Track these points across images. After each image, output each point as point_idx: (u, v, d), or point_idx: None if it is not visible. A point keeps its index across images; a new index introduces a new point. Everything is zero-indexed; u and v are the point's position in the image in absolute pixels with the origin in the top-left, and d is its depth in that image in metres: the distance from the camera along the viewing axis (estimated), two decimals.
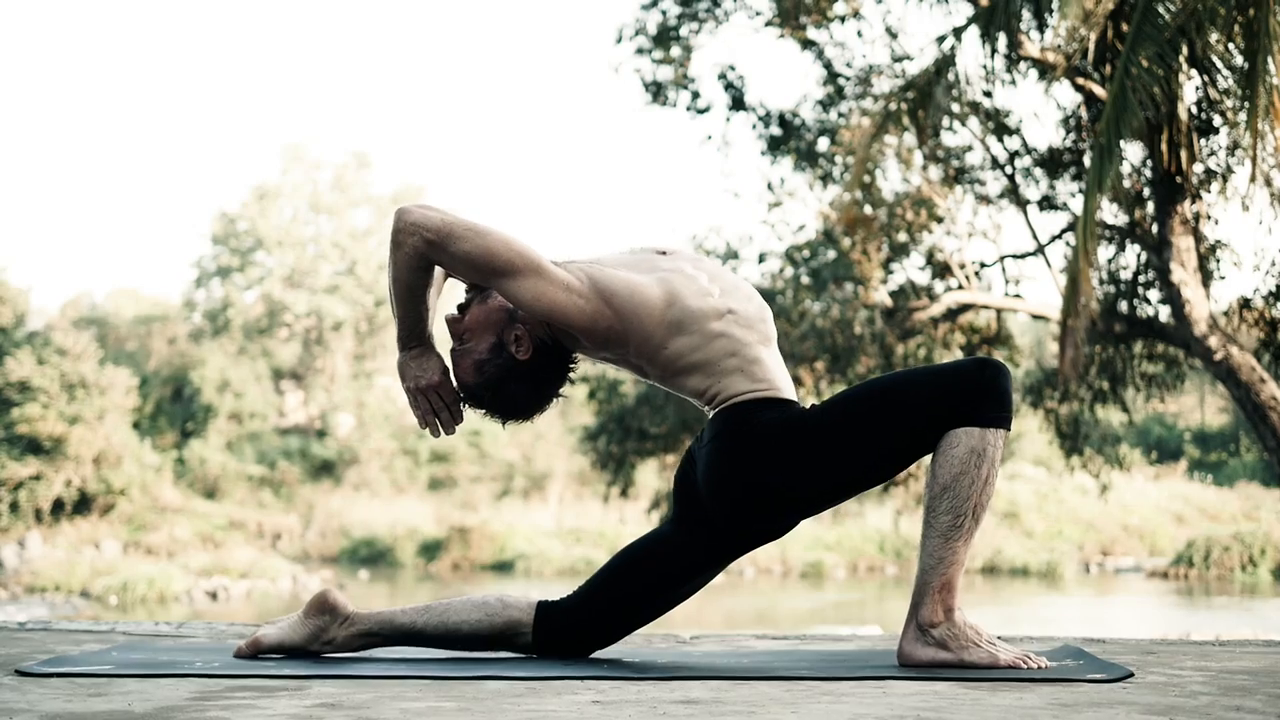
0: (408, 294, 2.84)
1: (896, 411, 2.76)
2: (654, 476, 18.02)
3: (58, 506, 26.82)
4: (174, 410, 32.94)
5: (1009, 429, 2.75)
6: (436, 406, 2.93)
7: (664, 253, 3.02)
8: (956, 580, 2.71)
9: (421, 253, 2.78)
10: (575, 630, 2.92)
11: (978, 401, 2.71)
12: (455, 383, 2.95)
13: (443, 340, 3.05)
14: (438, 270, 2.99)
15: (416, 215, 2.78)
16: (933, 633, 2.70)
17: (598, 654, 2.99)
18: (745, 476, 2.81)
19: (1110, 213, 11.89)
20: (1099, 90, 11.25)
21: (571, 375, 2.99)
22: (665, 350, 2.84)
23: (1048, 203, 12.93)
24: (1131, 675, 2.60)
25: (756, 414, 2.82)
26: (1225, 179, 11.31)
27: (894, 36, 13.17)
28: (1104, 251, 12.13)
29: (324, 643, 2.91)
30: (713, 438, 2.85)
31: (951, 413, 2.72)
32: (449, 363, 2.97)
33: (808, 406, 2.88)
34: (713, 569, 2.95)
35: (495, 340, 2.91)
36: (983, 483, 2.70)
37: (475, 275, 2.82)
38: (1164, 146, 10.73)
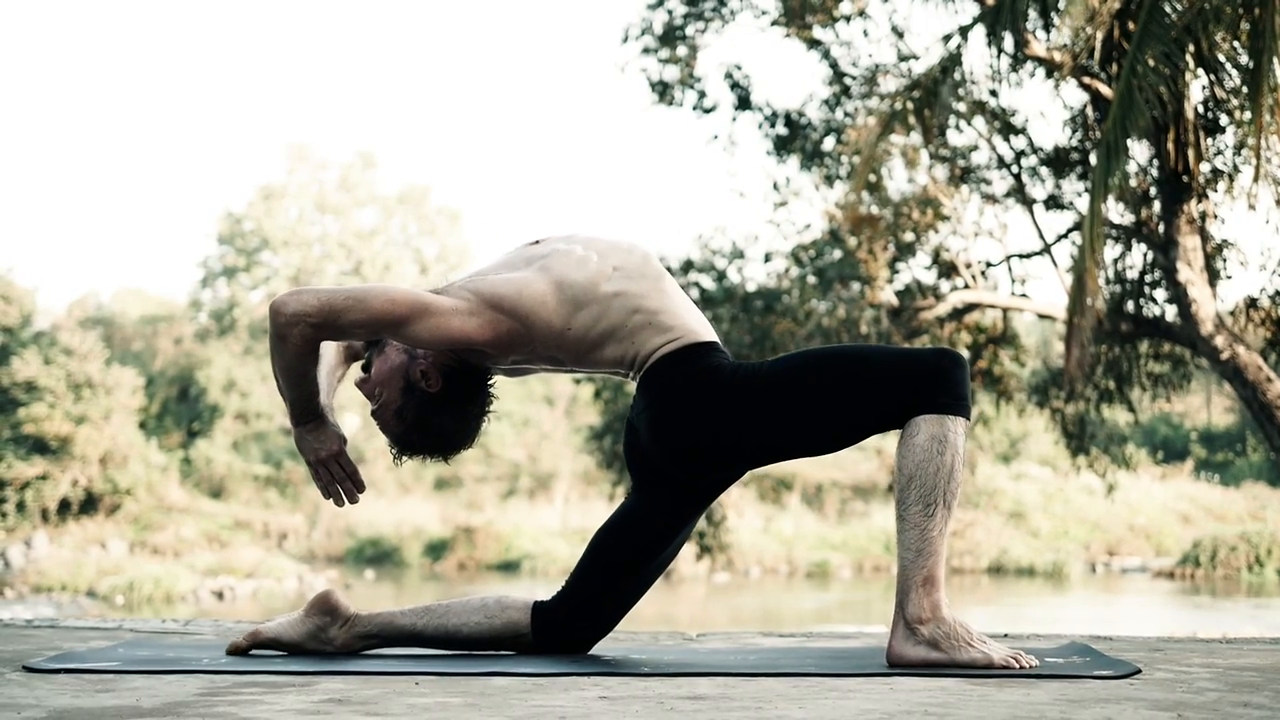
0: (299, 379, 2.86)
1: (852, 385, 2.78)
2: None
3: (64, 506, 26.83)
4: (180, 410, 32.96)
5: (968, 417, 2.77)
6: (338, 477, 2.95)
7: (537, 242, 3.03)
8: (939, 574, 2.71)
9: (310, 338, 2.79)
10: (573, 623, 2.93)
11: (935, 388, 2.74)
12: (386, 436, 2.98)
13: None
14: (332, 351, 3.03)
15: (294, 305, 2.78)
16: (922, 630, 2.69)
17: (604, 650, 2.99)
18: (692, 432, 2.84)
19: (1116, 212, 11.89)
20: (1105, 89, 11.24)
21: (494, 390, 3.00)
22: (570, 331, 2.86)
23: (1054, 202, 12.92)
24: (1139, 672, 2.60)
25: (684, 366, 2.86)
26: (1232, 178, 11.30)
27: (900, 35, 13.16)
28: (1110, 251, 12.11)
29: (322, 642, 2.92)
30: (649, 404, 2.87)
31: (907, 396, 2.74)
32: (345, 429, 3.02)
33: (754, 361, 2.91)
34: (684, 527, 2.97)
35: (404, 384, 2.93)
36: (949, 469, 2.71)
37: (371, 335, 2.84)
38: (1170, 146, 10.72)
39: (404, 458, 3.00)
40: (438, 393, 2.92)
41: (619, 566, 2.93)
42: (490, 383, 2.99)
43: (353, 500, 2.97)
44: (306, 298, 2.78)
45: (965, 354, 13.15)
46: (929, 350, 2.79)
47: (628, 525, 2.94)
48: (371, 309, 2.78)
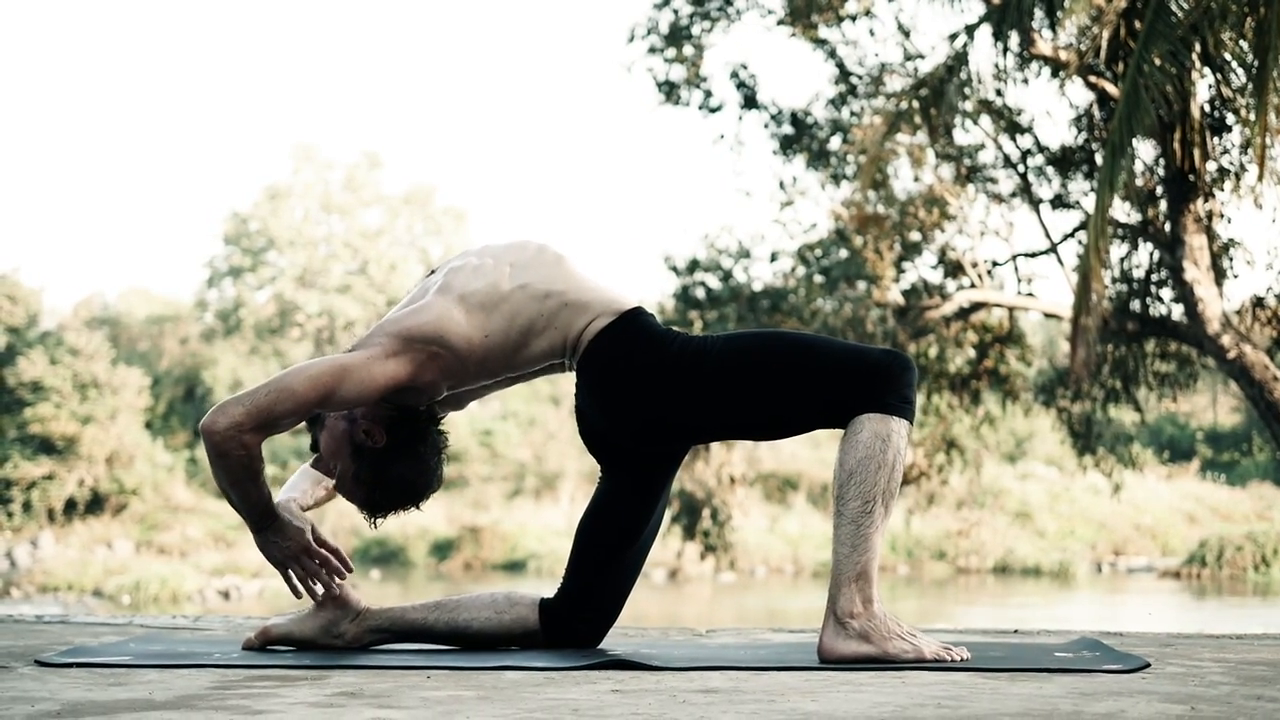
0: (249, 487, 2.84)
1: (801, 377, 2.80)
2: None
3: (70, 506, 26.86)
4: (186, 410, 32.98)
5: (911, 420, 2.78)
6: (310, 570, 2.93)
7: (433, 271, 3.04)
8: (872, 570, 2.72)
9: (251, 445, 2.77)
10: (575, 614, 2.95)
11: (881, 388, 2.76)
12: (355, 505, 2.98)
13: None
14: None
15: (224, 421, 2.75)
16: (853, 624, 2.69)
17: (614, 646, 2.99)
18: (644, 410, 2.85)
19: (1123, 211, 11.88)
20: (1111, 88, 11.24)
21: (443, 426, 2.99)
22: (489, 338, 2.86)
23: (1060, 201, 12.92)
24: (1148, 666, 2.60)
25: (620, 344, 2.87)
26: (1238, 177, 11.29)
27: (906, 35, 13.16)
28: (1116, 250, 12.11)
29: (333, 636, 2.93)
30: (592, 388, 2.88)
31: (854, 394, 2.77)
32: (333, 500, 3.04)
33: (696, 334, 2.92)
34: (659, 498, 2.98)
35: (351, 449, 2.92)
36: (889, 468, 2.73)
37: (308, 414, 2.83)
38: (1176, 145, 10.71)
39: (378, 519, 2.99)
40: (385, 446, 2.90)
41: (606, 550, 2.94)
42: (437, 420, 2.99)
43: (331, 590, 2.94)
44: (232, 409, 2.76)
45: (972, 352, 13.16)
46: (878, 350, 2.82)
47: (605, 509, 2.95)
48: (297, 393, 2.77)
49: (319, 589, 2.94)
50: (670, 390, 2.83)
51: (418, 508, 2.99)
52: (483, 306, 2.86)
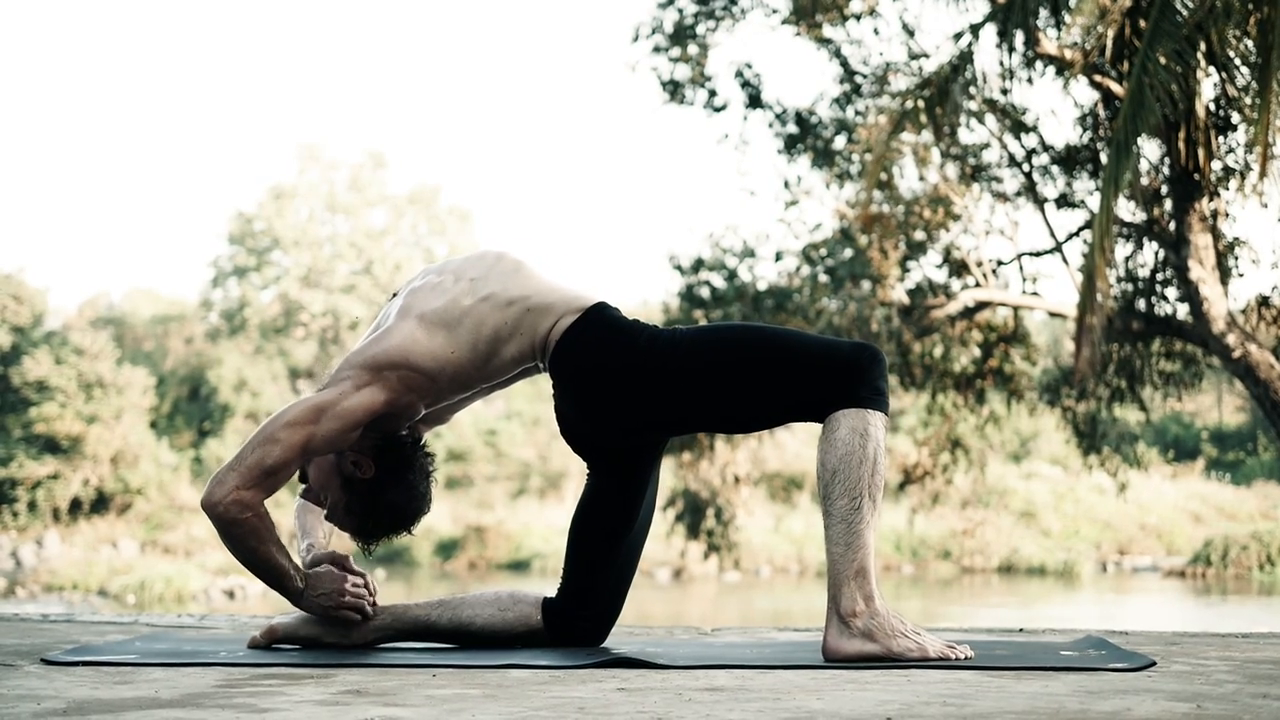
0: (270, 549, 2.85)
1: (769, 373, 2.81)
2: (669, 475, 18.06)
3: (75, 506, 26.87)
4: (191, 409, 32.99)
5: (886, 411, 2.79)
6: (355, 604, 2.94)
7: (395, 295, 3.06)
8: (869, 566, 2.73)
9: (254, 504, 2.79)
10: (577, 612, 2.96)
11: (854, 383, 2.76)
12: (348, 536, 3.01)
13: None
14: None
15: (220, 492, 2.79)
16: (856, 623, 2.70)
17: (619, 644, 3.00)
18: (620, 406, 2.87)
19: (1128, 210, 11.87)
20: (1116, 87, 11.23)
21: (428, 449, 3.01)
22: (456, 353, 2.88)
23: (1065, 200, 12.90)
24: (1154, 664, 2.60)
25: (588, 341, 2.88)
26: (1243, 176, 11.28)
27: (911, 34, 13.14)
28: (1121, 249, 12.10)
29: (339, 635, 2.94)
30: (566, 386, 2.91)
31: (826, 389, 2.77)
32: (334, 535, 3.06)
33: (659, 327, 2.93)
34: (647, 489, 3.00)
35: (340, 480, 2.95)
36: (871, 462, 2.73)
37: (300, 460, 2.85)
38: (1181, 144, 10.70)
39: (371, 545, 3.01)
40: (374, 475, 2.93)
41: (602, 547, 2.96)
42: (423, 445, 3.01)
43: (369, 612, 2.97)
44: (224, 477, 2.80)
45: (977, 351, 13.14)
46: (848, 343, 2.82)
47: (596, 506, 2.97)
48: (280, 440, 2.80)
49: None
50: (643, 387, 2.84)
51: (409, 532, 3.03)
52: (444, 324, 2.88)
